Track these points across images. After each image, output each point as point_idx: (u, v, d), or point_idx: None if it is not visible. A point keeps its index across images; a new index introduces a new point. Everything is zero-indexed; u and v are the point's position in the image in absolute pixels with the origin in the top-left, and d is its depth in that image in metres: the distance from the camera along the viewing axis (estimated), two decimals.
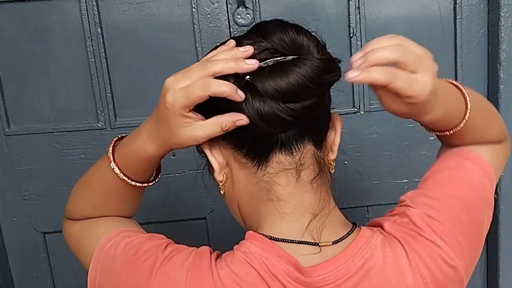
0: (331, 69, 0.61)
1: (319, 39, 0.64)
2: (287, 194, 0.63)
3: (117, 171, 0.69)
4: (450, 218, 0.66)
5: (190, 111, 0.60)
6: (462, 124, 0.68)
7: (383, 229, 0.67)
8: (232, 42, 0.62)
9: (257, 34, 0.62)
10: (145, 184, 0.73)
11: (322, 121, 0.64)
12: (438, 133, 0.72)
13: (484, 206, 0.71)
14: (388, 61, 0.56)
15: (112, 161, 0.69)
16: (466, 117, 0.68)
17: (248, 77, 0.59)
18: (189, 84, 0.59)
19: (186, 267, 0.61)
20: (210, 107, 0.60)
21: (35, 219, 1.27)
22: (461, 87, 0.69)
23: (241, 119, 0.59)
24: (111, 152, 0.70)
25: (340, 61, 0.64)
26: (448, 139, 0.74)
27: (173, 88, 0.59)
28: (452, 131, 0.70)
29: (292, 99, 0.59)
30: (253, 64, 0.58)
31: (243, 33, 0.65)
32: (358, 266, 0.62)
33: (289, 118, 0.59)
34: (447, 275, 0.64)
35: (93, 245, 0.70)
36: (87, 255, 0.70)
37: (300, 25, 0.64)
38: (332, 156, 0.67)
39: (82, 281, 1.37)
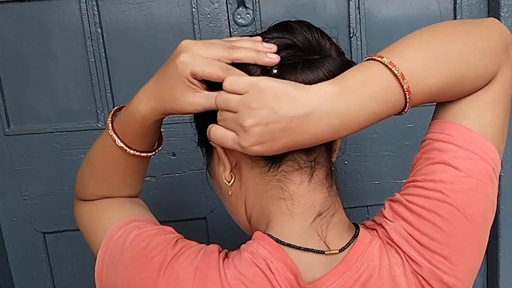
0: (343, 69, 0.62)
1: (338, 46, 0.66)
2: (299, 193, 0.64)
3: (115, 137, 0.69)
4: (431, 235, 0.61)
5: (196, 79, 0.60)
6: (407, 108, 0.59)
7: (386, 231, 0.65)
8: (259, 38, 0.63)
9: (284, 31, 0.64)
10: (144, 154, 0.71)
11: None
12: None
13: (473, 200, 0.61)
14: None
15: (110, 128, 0.70)
16: (408, 99, 0.58)
17: (275, 70, 0.60)
18: (208, 58, 0.59)
19: (194, 265, 0.61)
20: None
21: (35, 219, 1.27)
22: (388, 64, 0.57)
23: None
24: (110, 119, 0.70)
25: (355, 63, 0.65)
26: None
27: (192, 51, 0.60)
28: (402, 113, 0.61)
29: None
30: (274, 58, 0.59)
31: (266, 29, 0.66)
32: (354, 279, 0.61)
33: None
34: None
35: (101, 233, 0.69)
36: (96, 242, 0.70)
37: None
38: (333, 157, 0.68)
39: (82, 281, 1.38)
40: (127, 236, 0.66)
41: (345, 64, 0.62)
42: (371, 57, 0.60)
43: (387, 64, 0.57)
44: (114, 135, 0.69)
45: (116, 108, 0.73)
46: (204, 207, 1.27)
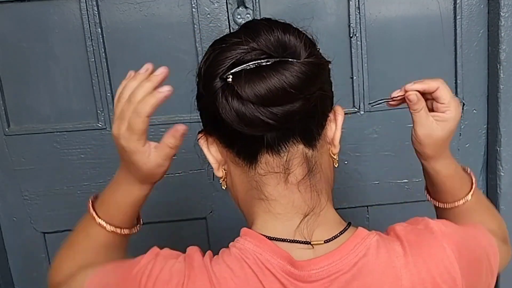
0: (315, 73, 0.60)
1: (310, 38, 0.63)
2: (277, 194, 0.64)
3: (105, 224, 0.74)
4: (462, 240, 0.66)
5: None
6: (463, 201, 0.77)
7: (393, 229, 0.66)
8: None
9: (245, 34, 0.62)
10: (132, 231, 0.78)
11: (314, 120, 0.63)
12: (439, 204, 0.81)
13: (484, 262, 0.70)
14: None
15: (97, 218, 0.74)
16: (468, 197, 0.77)
17: (230, 79, 0.59)
18: (127, 122, 0.66)
19: (182, 271, 0.62)
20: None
21: (35, 219, 1.27)
22: (470, 171, 0.80)
23: (177, 130, 0.67)
24: (93, 211, 0.75)
25: (329, 62, 0.64)
26: (446, 215, 0.79)
27: (120, 133, 0.66)
28: (451, 205, 0.78)
29: (273, 104, 0.58)
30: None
31: (233, 31, 0.65)
32: (352, 264, 0.62)
33: (271, 122, 0.58)
34: (448, 284, 0.63)
35: None
36: None
37: (290, 23, 0.63)
38: (335, 150, 0.67)
39: None
40: (94, 280, 0.68)
41: (309, 69, 0.59)
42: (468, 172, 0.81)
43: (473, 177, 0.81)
44: (104, 223, 0.74)
45: (90, 199, 0.77)
46: (204, 207, 1.27)
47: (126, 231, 0.76)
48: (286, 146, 0.62)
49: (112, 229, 0.74)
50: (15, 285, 1.33)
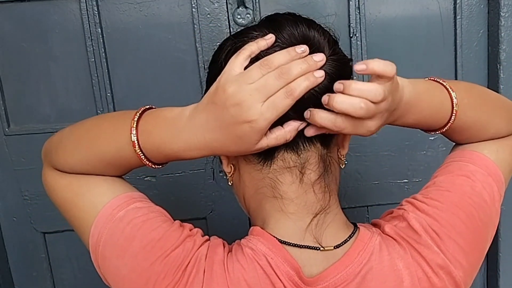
0: (338, 69, 0.60)
1: (332, 35, 0.63)
2: (291, 192, 0.64)
3: (142, 156, 0.64)
4: (448, 228, 0.65)
5: None
6: (447, 127, 0.69)
7: (383, 231, 0.67)
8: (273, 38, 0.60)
9: (268, 27, 0.62)
10: (155, 166, 0.67)
11: None
12: (427, 132, 0.73)
13: (486, 212, 0.69)
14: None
15: (137, 147, 0.63)
16: (451, 120, 0.68)
17: None
18: (268, 98, 0.56)
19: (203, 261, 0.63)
20: None
21: (35, 219, 1.27)
22: (448, 87, 0.68)
23: (302, 123, 0.59)
24: (135, 135, 0.63)
25: (351, 60, 0.64)
26: (447, 135, 0.74)
27: (257, 108, 0.55)
28: (437, 132, 0.71)
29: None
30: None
31: (255, 23, 0.64)
32: (356, 272, 0.62)
33: (292, 116, 0.59)
34: (444, 281, 0.64)
35: (91, 209, 0.66)
36: (82, 219, 0.67)
37: (313, 19, 0.63)
38: (343, 151, 0.67)
39: (82, 281, 1.37)
40: (132, 221, 0.64)
41: (333, 65, 0.60)
42: (432, 78, 0.69)
43: (447, 87, 0.68)
44: (142, 154, 0.64)
45: (140, 111, 0.65)
46: (204, 207, 1.27)
47: (150, 164, 0.66)
48: (305, 144, 0.62)
49: (146, 162, 0.65)
50: (15, 285, 1.32)
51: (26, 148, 1.23)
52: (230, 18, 1.16)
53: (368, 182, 1.26)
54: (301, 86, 0.56)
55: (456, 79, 1.21)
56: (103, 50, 1.17)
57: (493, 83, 1.19)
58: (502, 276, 1.27)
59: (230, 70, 0.57)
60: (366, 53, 1.17)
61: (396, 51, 1.19)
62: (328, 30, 0.63)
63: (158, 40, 1.18)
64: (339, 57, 0.61)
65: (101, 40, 1.17)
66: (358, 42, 1.17)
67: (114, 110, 1.22)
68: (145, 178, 1.23)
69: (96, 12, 1.15)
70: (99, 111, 1.21)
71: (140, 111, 0.65)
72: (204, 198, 1.25)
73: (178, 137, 0.61)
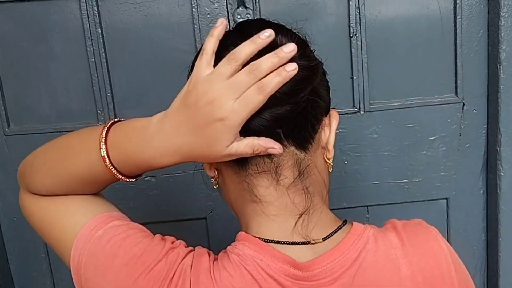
0: (304, 76, 0.59)
1: (303, 39, 0.62)
2: (269, 196, 0.64)
3: (114, 170, 0.64)
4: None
5: None
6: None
7: (392, 223, 0.68)
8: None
9: (237, 35, 0.61)
10: (132, 180, 0.68)
11: (305, 123, 0.62)
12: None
13: None
14: None
15: (108, 162, 0.64)
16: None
17: None
18: (241, 94, 0.56)
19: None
20: None
21: None
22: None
23: (274, 147, 0.59)
24: (104, 149, 0.63)
25: (322, 64, 0.63)
26: None
27: (229, 105, 0.56)
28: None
29: (260, 107, 0.57)
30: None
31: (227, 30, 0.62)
32: (353, 259, 0.62)
33: (258, 127, 0.59)
34: (445, 276, 0.64)
35: (71, 230, 0.65)
36: (62, 241, 0.66)
37: (283, 24, 0.62)
38: (329, 154, 0.66)
39: None
40: (112, 239, 0.63)
41: (297, 73, 0.57)
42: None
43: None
44: (112, 167, 0.64)
45: (105, 128, 0.65)
46: (204, 207, 1.27)
47: (122, 177, 0.66)
48: None
49: (119, 177, 0.65)
50: (15, 285, 1.32)
51: (26, 148, 1.22)
52: (230, 18, 1.16)
53: (368, 182, 1.26)
54: (273, 82, 0.56)
55: (456, 79, 1.21)
56: (103, 50, 1.17)
57: (493, 83, 1.19)
58: (502, 276, 1.27)
59: (199, 71, 0.58)
60: (366, 53, 1.16)
61: (396, 51, 1.19)
62: (298, 33, 0.63)
63: (158, 40, 1.18)
64: (304, 62, 0.60)
65: (101, 40, 1.17)
66: (358, 42, 1.17)
67: (114, 110, 1.22)
68: (145, 178, 1.23)
69: (96, 12, 1.16)
70: (99, 111, 1.21)
71: (108, 124, 0.65)
72: (204, 198, 1.25)
73: (148, 145, 0.61)
